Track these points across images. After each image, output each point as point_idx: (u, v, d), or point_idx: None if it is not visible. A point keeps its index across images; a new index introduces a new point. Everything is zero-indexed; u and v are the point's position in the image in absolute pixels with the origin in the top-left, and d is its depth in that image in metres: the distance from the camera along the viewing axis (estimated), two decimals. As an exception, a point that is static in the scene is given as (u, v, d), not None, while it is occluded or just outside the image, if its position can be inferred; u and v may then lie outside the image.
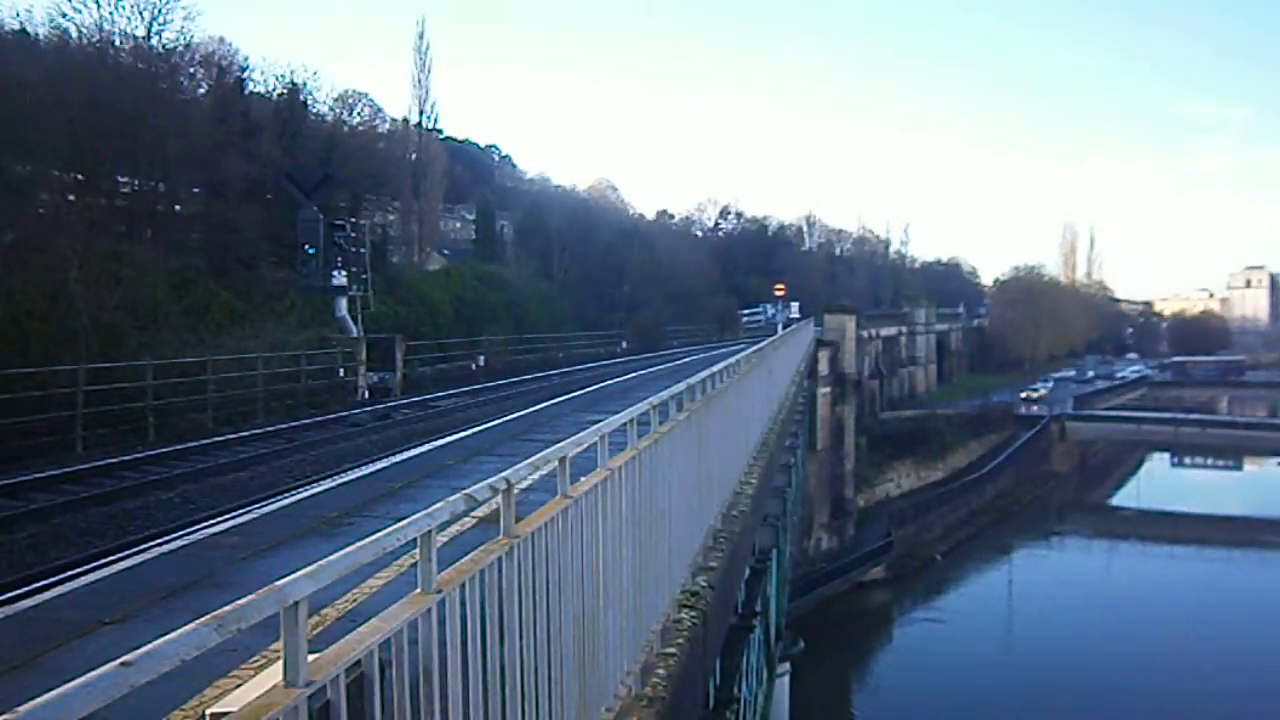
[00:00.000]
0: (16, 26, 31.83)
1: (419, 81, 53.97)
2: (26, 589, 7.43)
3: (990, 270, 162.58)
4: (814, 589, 38.96)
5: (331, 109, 48.65)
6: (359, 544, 2.38)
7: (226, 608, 1.82)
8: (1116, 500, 70.06)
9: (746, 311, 69.69)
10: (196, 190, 34.52)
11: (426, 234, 56.98)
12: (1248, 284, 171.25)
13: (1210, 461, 78.09)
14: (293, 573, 2.07)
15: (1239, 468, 77.71)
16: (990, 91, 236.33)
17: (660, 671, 5.31)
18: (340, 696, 2.18)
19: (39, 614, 5.87)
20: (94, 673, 1.45)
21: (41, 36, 32.10)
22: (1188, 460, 78.90)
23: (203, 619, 1.75)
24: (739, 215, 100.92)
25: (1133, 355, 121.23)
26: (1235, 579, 47.54)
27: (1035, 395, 77.12)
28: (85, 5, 31.09)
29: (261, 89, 42.14)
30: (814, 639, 30.62)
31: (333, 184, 33.65)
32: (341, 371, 28.65)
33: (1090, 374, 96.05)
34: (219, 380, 22.93)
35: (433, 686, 2.62)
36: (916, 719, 32.50)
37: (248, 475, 15.39)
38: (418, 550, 2.69)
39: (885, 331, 74.94)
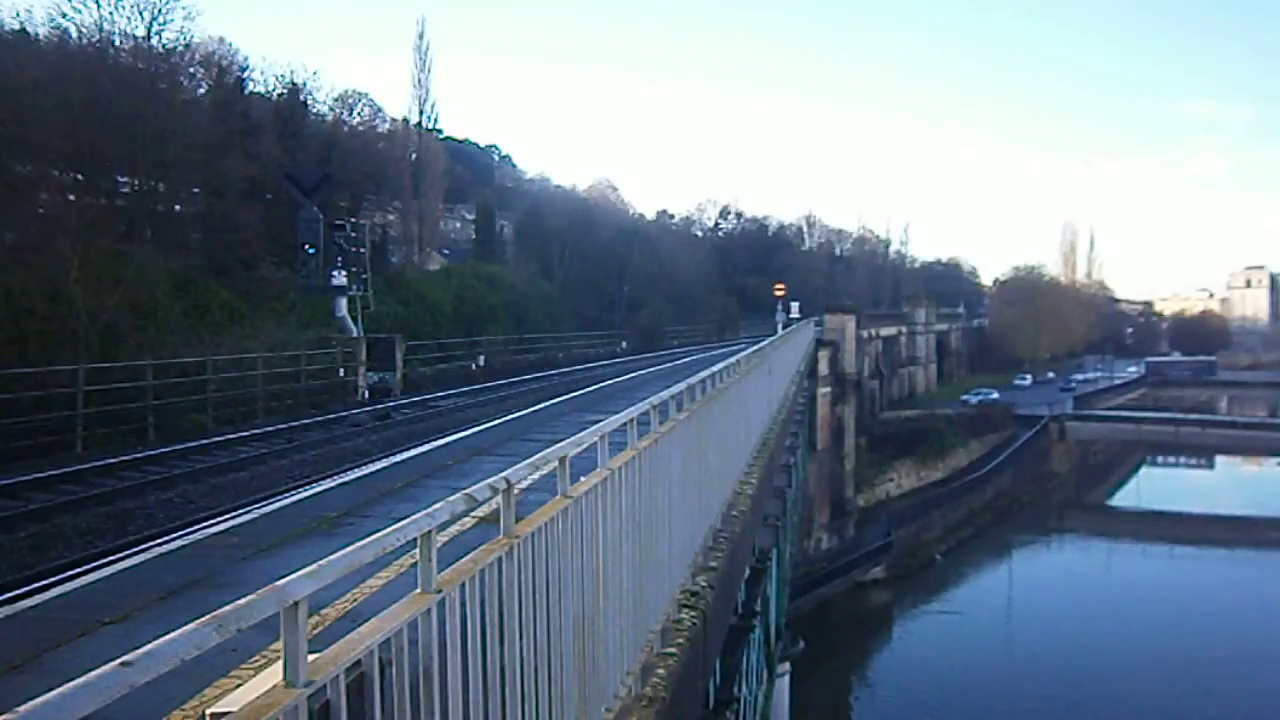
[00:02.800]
0: (16, 26, 31.87)
1: (419, 81, 54.11)
2: (26, 589, 7.43)
3: (990, 270, 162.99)
4: (814, 589, 38.97)
5: (331, 109, 48.74)
6: (359, 544, 2.38)
7: (226, 608, 1.82)
8: (1116, 500, 70.11)
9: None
10: (196, 190, 34.53)
11: (426, 234, 57.03)
12: (1248, 284, 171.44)
13: (1182, 460, 79.01)
14: (293, 573, 2.07)
15: (1211, 466, 78.47)
16: (991, 91, 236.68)
17: (660, 671, 5.31)
18: (340, 696, 2.18)
19: (39, 614, 5.86)
20: (94, 673, 1.45)
21: (41, 36, 32.13)
22: (1160, 459, 79.36)
23: (203, 619, 1.75)
24: (739, 215, 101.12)
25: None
26: (1235, 579, 47.53)
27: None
28: (85, 5, 31.15)
29: (261, 89, 42.22)
30: (814, 639, 30.63)
31: (333, 184, 33.65)
32: (341, 371, 28.65)
33: (1073, 379, 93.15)
34: (219, 380, 22.94)
35: (433, 686, 2.62)
36: (916, 719, 32.49)
37: (248, 475, 15.40)
38: (418, 550, 2.69)
39: (885, 331, 74.93)
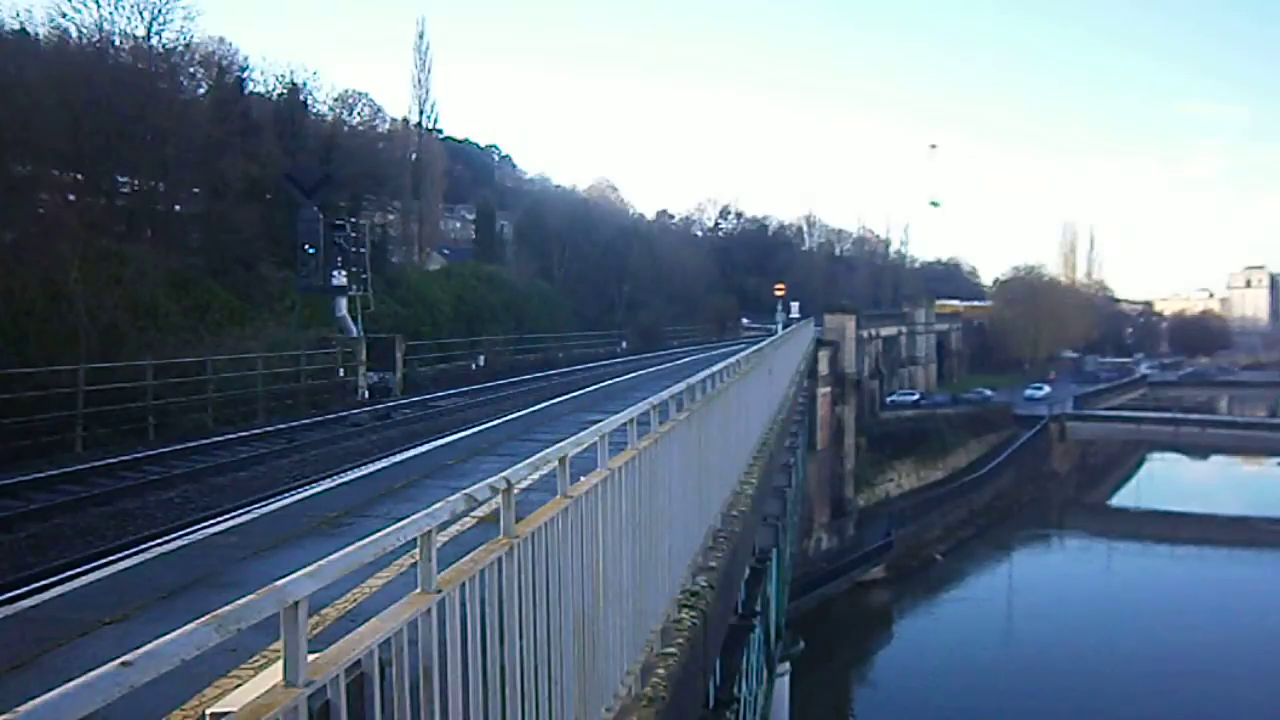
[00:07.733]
0: (16, 26, 31.92)
1: (419, 81, 54.13)
2: (26, 589, 7.43)
3: (990, 270, 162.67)
4: (814, 589, 38.95)
5: (331, 109, 48.81)
6: (359, 544, 2.38)
7: (226, 608, 1.82)
8: (1116, 500, 70.08)
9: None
10: (196, 190, 34.56)
11: (426, 234, 57.06)
12: (1248, 284, 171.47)
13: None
14: (293, 573, 2.07)
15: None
16: (991, 92, 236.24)
17: (660, 671, 5.31)
18: (340, 696, 2.17)
19: (39, 614, 5.87)
20: (94, 673, 1.45)
21: (41, 36, 32.19)
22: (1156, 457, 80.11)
23: (203, 619, 1.75)
24: (739, 215, 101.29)
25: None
26: (1235, 578, 47.54)
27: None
28: (85, 5, 31.22)
29: (261, 89, 42.30)
30: (814, 639, 30.59)
31: (333, 184, 33.67)
32: (341, 371, 28.64)
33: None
34: (219, 380, 22.93)
35: (433, 686, 2.62)
36: (917, 719, 32.49)
37: (248, 475, 15.39)
38: (418, 550, 2.69)
39: (885, 331, 74.89)
